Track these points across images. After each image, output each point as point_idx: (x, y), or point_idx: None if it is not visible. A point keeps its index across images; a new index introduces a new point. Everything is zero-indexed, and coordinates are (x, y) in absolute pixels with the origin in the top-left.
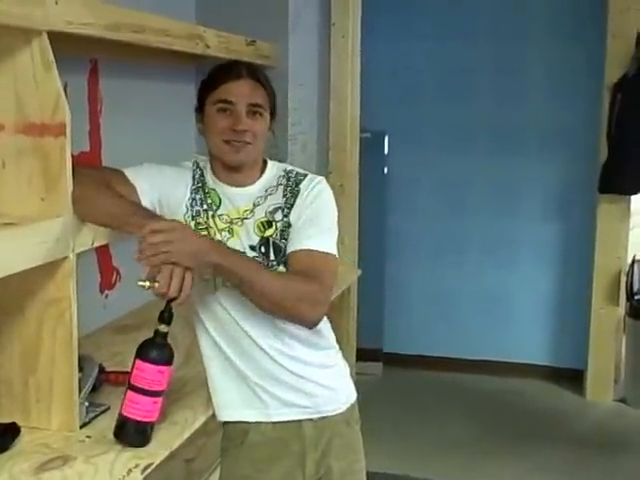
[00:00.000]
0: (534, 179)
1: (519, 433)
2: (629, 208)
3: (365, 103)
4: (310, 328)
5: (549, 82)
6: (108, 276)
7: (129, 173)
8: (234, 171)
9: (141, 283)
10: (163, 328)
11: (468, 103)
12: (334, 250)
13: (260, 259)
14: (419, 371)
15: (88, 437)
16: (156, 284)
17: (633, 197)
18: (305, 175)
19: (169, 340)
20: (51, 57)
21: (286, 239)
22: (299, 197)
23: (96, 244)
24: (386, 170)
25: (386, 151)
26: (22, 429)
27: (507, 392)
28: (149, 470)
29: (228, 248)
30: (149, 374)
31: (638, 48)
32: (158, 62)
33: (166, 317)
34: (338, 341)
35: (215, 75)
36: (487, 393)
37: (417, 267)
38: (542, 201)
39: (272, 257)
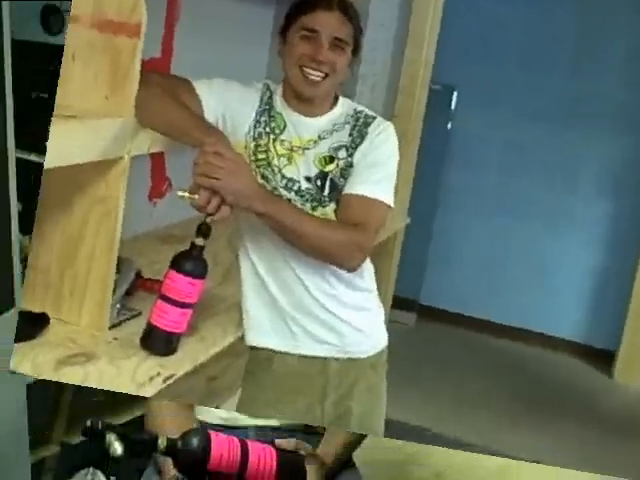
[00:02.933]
0: (596, 153)
1: (543, 405)
2: None
3: (439, 54)
4: (350, 272)
5: (631, 55)
6: (159, 184)
7: (197, 85)
8: (305, 100)
9: (180, 193)
10: (199, 241)
11: (545, 70)
12: (388, 198)
13: (313, 191)
14: (451, 328)
15: (115, 339)
16: (196, 196)
17: None
18: (374, 118)
19: (206, 255)
20: None
21: (345, 178)
22: (366, 139)
23: (152, 150)
24: (450, 125)
25: (453, 106)
26: (51, 321)
27: (539, 363)
28: (171, 380)
29: (274, 196)
30: (180, 285)
31: None
32: None
33: (204, 230)
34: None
35: (305, 0)
36: (517, 360)
37: (467, 225)
38: (600, 177)
39: (326, 192)
